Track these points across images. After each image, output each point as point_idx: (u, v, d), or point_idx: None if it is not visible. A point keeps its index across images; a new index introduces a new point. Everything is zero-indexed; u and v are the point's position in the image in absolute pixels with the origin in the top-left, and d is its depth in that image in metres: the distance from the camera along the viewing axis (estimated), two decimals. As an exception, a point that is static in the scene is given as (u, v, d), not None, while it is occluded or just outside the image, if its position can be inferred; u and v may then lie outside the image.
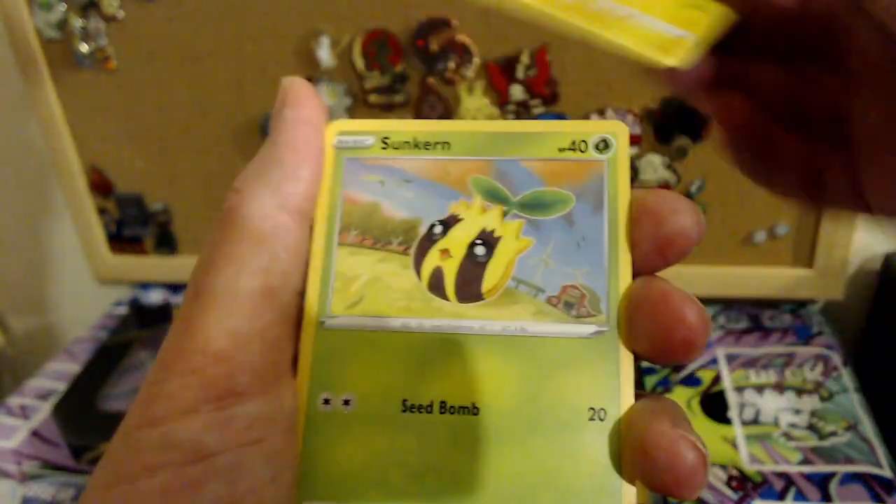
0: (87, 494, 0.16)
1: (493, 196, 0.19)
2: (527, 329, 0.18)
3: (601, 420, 0.17)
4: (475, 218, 0.19)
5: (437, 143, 0.20)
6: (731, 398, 0.47)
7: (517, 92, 0.51)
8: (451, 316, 0.18)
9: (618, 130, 0.19)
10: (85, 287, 0.69)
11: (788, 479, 0.41)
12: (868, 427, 0.44)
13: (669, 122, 0.51)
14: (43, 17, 0.55)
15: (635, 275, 0.18)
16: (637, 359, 0.17)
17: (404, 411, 0.18)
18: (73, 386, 0.55)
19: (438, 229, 0.19)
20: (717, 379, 0.48)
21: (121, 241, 0.64)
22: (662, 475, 0.16)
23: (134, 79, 0.56)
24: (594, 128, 0.19)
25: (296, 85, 0.19)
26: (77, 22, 0.55)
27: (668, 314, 0.16)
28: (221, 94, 0.55)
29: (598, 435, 0.17)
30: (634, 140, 0.52)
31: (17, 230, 0.70)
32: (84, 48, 0.55)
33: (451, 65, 0.51)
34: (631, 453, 0.16)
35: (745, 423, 0.45)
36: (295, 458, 0.17)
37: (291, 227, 0.18)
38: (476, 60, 0.51)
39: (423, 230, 0.19)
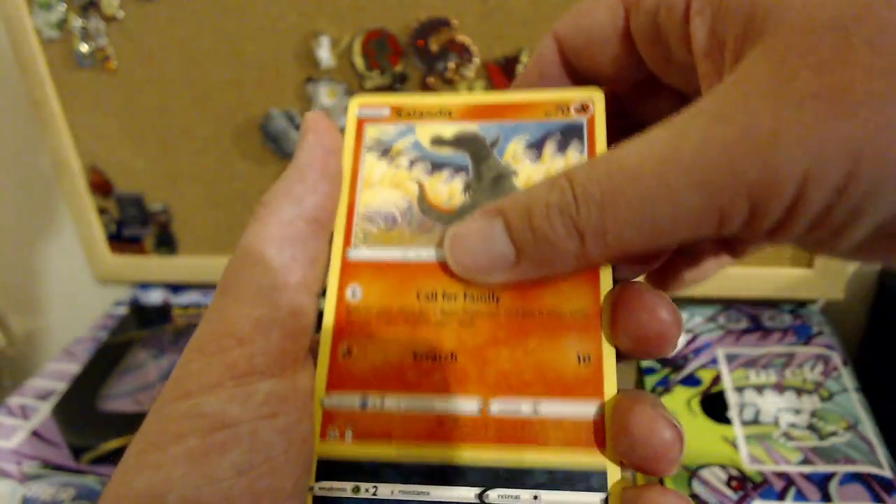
0: (122, 462, 0.17)
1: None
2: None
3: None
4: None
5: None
6: (731, 398, 0.47)
7: (517, 92, 0.51)
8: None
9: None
10: (85, 287, 0.69)
11: (788, 479, 0.41)
12: (868, 427, 0.44)
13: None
14: (43, 17, 0.55)
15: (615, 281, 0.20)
16: (619, 355, 0.19)
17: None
18: (73, 386, 0.55)
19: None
20: (717, 379, 0.48)
21: (121, 241, 0.64)
22: (643, 450, 0.17)
23: (134, 79, 0.56)
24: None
25: (317, 116, 0.22)
26: (77, 22, 0.55)
27: (644, 312, 0.18)
28: (221, 94, 0.55)
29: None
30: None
31: (18, 230, 0.70)
32: (84, 48, 0.56)
33: (451, 65, 0.51)
34: (615, 433, 0.18)
35: (745, 423, 0.45)
36: (307, 434, 0.19)
37: (309, 234, 0.20)
38: (476, 60, 0.51)
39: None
